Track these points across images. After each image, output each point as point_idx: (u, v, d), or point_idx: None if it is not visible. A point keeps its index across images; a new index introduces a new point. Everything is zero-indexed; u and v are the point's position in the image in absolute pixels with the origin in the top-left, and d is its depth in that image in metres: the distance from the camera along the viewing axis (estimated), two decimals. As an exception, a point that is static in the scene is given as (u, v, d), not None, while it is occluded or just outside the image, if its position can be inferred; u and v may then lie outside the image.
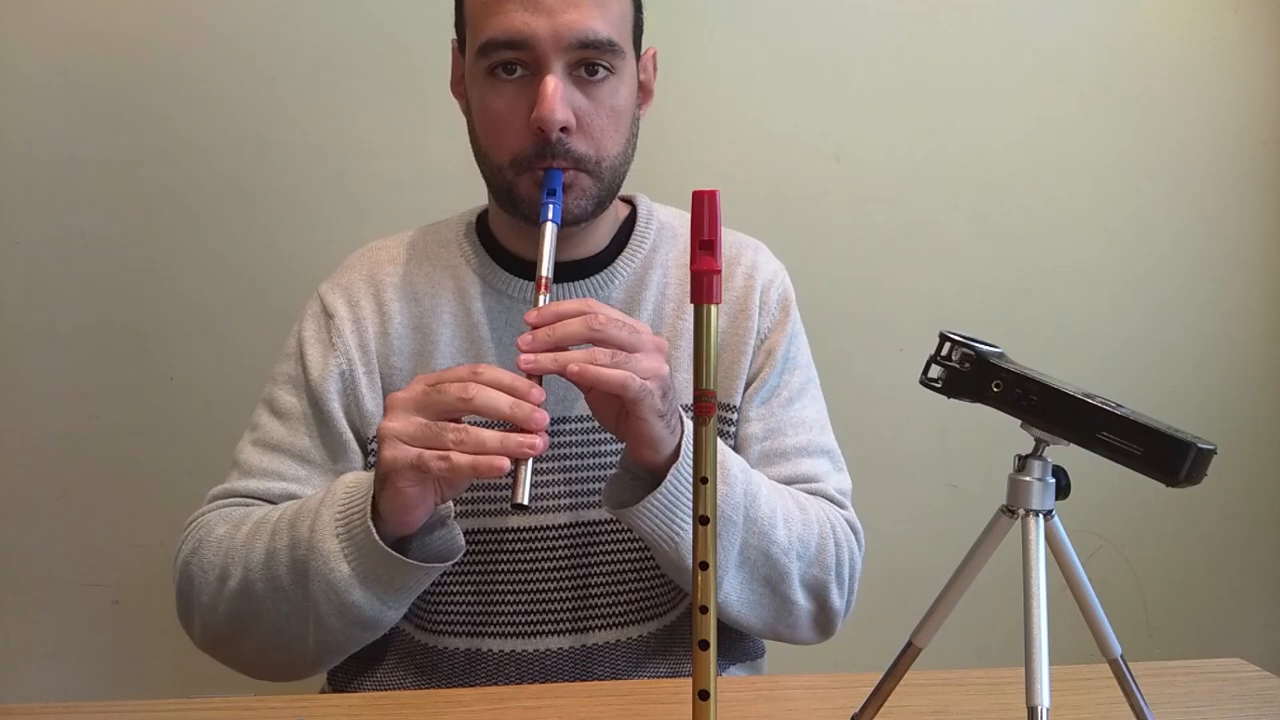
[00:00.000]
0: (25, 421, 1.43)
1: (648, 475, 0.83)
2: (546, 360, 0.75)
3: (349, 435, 0.94)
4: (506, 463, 0.72)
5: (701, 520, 0.58)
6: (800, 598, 0.91)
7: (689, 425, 0.83)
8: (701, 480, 0.57)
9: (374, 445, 0.90)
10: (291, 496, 0.91)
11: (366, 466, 0.95)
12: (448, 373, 0.77)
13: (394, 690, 0.95)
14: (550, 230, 0.85)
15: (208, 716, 0.77)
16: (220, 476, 0.95)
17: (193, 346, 1.44)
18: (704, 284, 0.55)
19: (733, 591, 0.88)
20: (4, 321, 1.41)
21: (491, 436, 0.73)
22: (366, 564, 0.79)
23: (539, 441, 0.73)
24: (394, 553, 0.79)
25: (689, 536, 0.83)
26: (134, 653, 1.48)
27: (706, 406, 0.56)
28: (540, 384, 0.76)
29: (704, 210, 0.55)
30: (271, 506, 0.89)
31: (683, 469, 0.81)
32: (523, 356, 0.75)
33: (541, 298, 0.81)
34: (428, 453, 0.73)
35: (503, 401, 0.74)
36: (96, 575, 1.46)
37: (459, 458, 0.72)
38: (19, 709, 0.79)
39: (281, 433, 0.94)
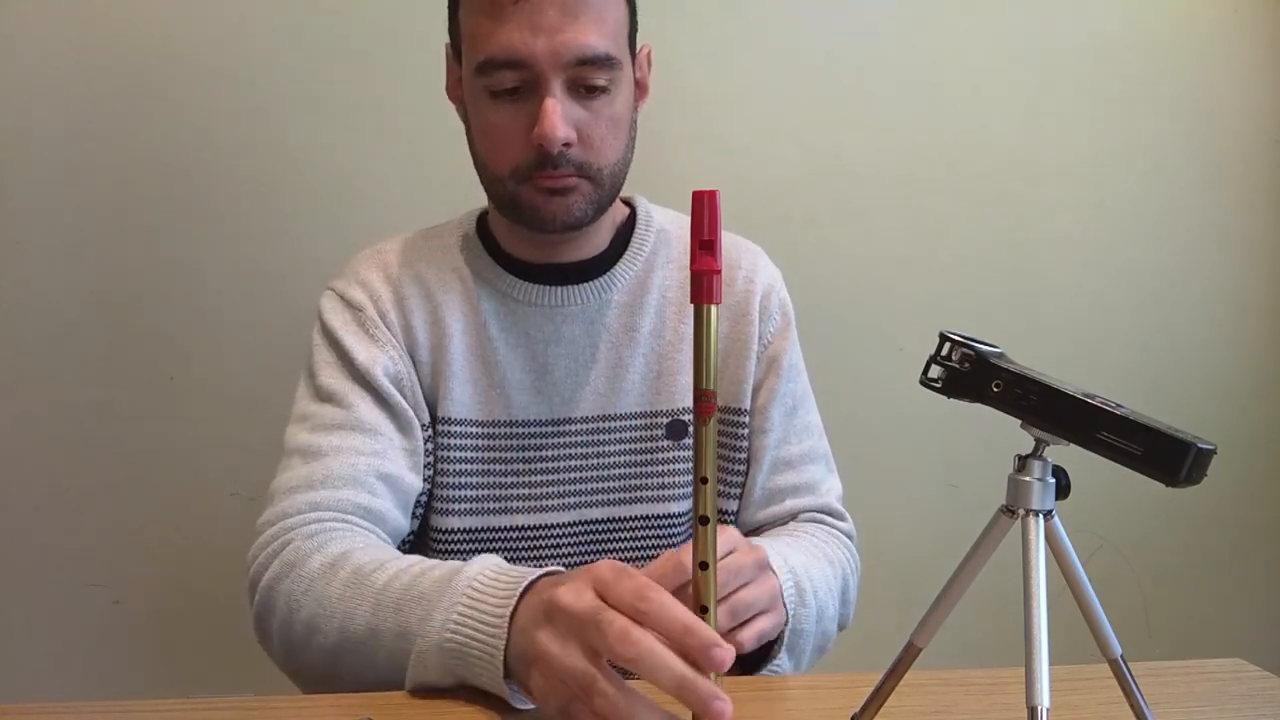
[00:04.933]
0: (25, 421, 1.43)
1: None
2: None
3: (405, 406, 0.93)
4: None
5: (701, 520, 0.58)
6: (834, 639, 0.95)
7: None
8: (701, 480, 0.57)
9: (428, 431, 0.93)
10: (374, 472, 0.88)
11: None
12: (620, 583, 0.62)
13: (393, 690, 0.95)
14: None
15: (208, 716, 0.77)
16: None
17: (193, 346, 1.44)
18: (704, 284, 0.55)
19: (794, 667, 0.89)
20: (4, 321, 1.41)
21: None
22: (457, 677, 0.72)
23: None
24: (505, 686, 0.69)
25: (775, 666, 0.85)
26: (134, 653, 1.47)
27: (707, 407, 0.56)
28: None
29: (704, 210, 0.55)
30: (372, 552, 0.81)
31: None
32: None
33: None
34: (575, 706, 0.63)
35: (671, 675, 0.58)
36: (96, 575, 1.46)
37: None
38: (19, 709, 0.79)
39: (339, 414, 0.91)
